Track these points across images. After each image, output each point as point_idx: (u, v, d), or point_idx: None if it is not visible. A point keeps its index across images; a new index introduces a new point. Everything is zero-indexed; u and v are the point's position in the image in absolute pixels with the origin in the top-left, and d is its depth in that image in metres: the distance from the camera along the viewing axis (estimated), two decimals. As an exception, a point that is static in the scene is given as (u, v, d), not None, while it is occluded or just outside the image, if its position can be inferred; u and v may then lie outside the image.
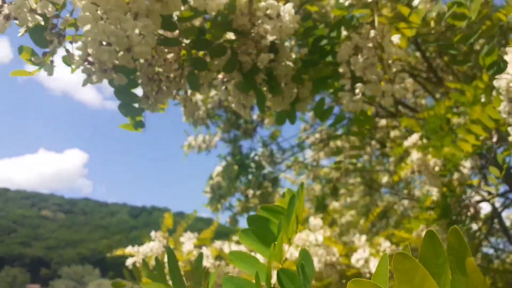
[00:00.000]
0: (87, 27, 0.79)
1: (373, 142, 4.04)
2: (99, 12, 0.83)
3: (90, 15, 0.81)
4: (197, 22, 1.08)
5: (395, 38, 1.03)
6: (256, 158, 4.32)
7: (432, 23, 1.05)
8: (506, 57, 1.04)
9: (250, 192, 4.19)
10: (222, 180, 4.07)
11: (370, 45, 1.03)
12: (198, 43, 1.01)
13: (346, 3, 1.15)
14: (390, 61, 1.01)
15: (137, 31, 0.81)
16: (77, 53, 0.92)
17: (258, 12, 1.07)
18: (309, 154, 4.46)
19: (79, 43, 0.92)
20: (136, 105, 1.05)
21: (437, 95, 4.02)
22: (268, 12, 1.05)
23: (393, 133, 4.04)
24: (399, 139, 3.95)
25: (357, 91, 1.02)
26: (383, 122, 3.91)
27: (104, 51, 0.79)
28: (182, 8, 0.96)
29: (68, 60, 0.94)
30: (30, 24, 0.80)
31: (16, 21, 0.80)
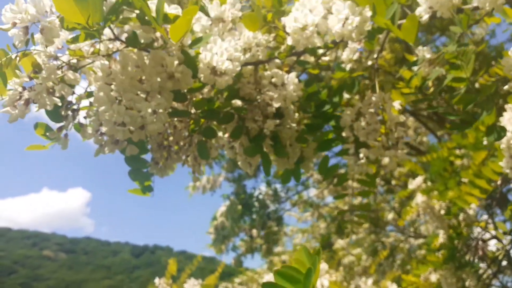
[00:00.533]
0: (102, 108, 0.83)
1: (378, 180, 4.03)
2: (113, 92, 0.87)
3: (105, 96, 0.85)
4: (205, 89, 1.13)
5: (396, 104, 1.06)
6: (260, 197, 4.31)
7: (431, 87, 1.09)
8: (503, 117, 1.07)
9: (255, 231, 4.15)
10: (226, 221, 4.05)
11: (372, 110, 1.06)
12: (207, 113, 1.04)
13: (347, 67, 1.20)
14: (392, 127, 1.04)
15: (150, 110, 0.84)
16: (89, 126, 0.96)
17: (264, 80, 1.12)
18: (313, 192, 4.44)
19: (92, 117, 0.96)
20: (145, 170, 1.08)
21: (439, 133, 4.05)
22: (273, 80, 1.10)
23: (398, 171, 4.04)
24: (403, 177, 3.94)
25: (361, 155, 1.04)
26: (386, 160, 3.92)
27: (119, 131, 0.83)
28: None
29: (81, 133, 0.97)
30: (49, 108, 0.84)
31: (36, 105, 0.84)
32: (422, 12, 0.92)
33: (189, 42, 0.94)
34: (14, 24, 0.78)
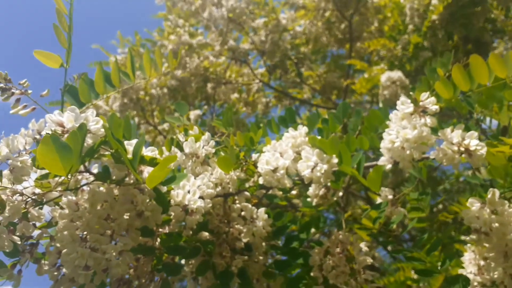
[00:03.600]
0: (65, 250, 0.75)
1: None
2: (78, 231, 0.80)
3: (70, 236, 0.78)
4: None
5: (363, 246, 1.05)
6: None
7: (394, 227, 1.09)
8: (464, 258, 1.07)
9: None
10: None
11: (339, 250, 1.04)
12: (172, 248, 0.98)
13: (313, 202, 1.20)
14: (360, 269, 1.00)
15: (115, 253, 0.77)
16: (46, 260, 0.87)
17: (233, 213, 1.09)
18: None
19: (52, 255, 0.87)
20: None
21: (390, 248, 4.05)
22: (242, 213, 1.07)
23: None
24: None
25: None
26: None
27: (81, 275, 0.74)
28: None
29: (37, 270, 0.87)
30: (7, 249, 0.75)
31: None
32: (385, 162, 0.96)
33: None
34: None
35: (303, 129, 1.07)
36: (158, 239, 1.00)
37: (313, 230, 1.16)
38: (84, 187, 0.90)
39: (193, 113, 3.80)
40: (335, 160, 0.96)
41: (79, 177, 0.97)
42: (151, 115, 3.99)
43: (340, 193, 1.21)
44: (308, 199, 1.22)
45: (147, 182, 0.80)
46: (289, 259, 1.09)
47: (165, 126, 4.02)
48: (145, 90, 3.82)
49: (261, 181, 1.02)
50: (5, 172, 0.78)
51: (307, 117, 1.24)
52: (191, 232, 1.04)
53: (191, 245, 1.02)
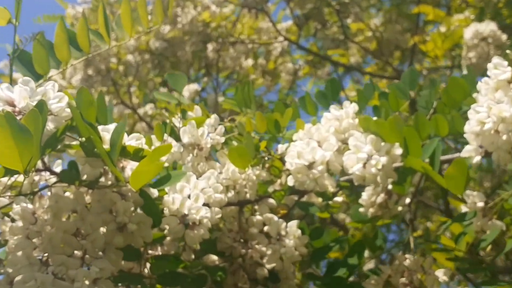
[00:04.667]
0: (20, 277, 0.80)
1: None
2: (36, 251, 0.85)
3: (25, 257, 0.83)
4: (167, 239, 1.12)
5: (440, 274, 1.07)
6: None
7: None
8: None
9: None
10: None
11: (405, 281, 1.06)
12: (167, 277, 1.02)
13: (368, 214, 1.23)
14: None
15: (87, 281, 0.81)
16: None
17: (252, 228, 1.12)
18: None
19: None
20: None
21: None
22: (265, 229, 1.10)
23: None
24: None
25: None
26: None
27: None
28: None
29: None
30: None
31: None
32: (472, 152, 0.98)
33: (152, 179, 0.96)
34: None
35: (351, 108, 1.09)
36: (148, 264, 1.05)
37: (367, 253, 1.18)
38: (44, 192, 0.95)
39: (188, 89, 3.85)
40: (399, 150, 0.98)
41: (36, 177, 1.02)
42: (127, 92, 4.07)
43: (407, 200, 1.23)
44: (361, 209, 1.24)
45: (131, 182, 0.83)
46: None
47: (148, 108, 4.09)
48: (118, 57, 3.88)
49: (290, 182, 1.05)
50: None
51: (356, 91, 1.26)
52: (193, 256, 1.08)
53: (194, 272, 1.06)
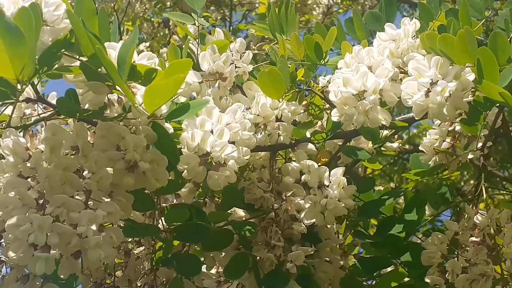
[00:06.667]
0: (12, 220, 0.82)
1: None
2: (31, 191, 0.87)
3: (18, 198, 0.85)
4: (184, 189, 1.14)
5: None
6: None
7: None
8: None
9: None
10: None
11: (476, 239, 1.06)
12: (184, 230, 1.04)
13: (430, 162, 1.22)
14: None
15: (94, 226, 0.84)
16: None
17: (286, 177, 1.13)
18: None
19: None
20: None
21: None
22: (303, 178, 1.11)
23: None
24: None
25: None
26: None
27: (36, 260, 0.81)
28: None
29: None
30: None
31: None
32: None
33: (165, 110, 0.97)
34: None
35: (411, 25, 1.08)
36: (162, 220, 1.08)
37: (428, 209, 1.18)
38: (35, 129, 0.97)
39: (193, 27, 3.83)
40: (471, 75, 0.97)
41: (27, 111, 1.05)
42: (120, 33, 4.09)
43: (479, 144, 1.21)
44: (421, 157, 1.24)
45: (145, 101, 0.84)
46: (385, 257, 1.13)
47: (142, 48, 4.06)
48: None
49: (334, 117, 1.05)
50: None
51: (419, 5, 1.25)
52: (214, 201, 1.10)
53: (217, 229, 1.08)
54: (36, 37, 0.76)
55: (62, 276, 0.88)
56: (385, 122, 1.03)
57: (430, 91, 0.97)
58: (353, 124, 1.03)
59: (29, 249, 0.82)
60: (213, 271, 1.19)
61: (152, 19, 4.61)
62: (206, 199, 1.18)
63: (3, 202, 0.86)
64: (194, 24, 1.22)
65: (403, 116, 1.18)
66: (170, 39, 4.30)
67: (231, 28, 4.18)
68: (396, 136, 1.26)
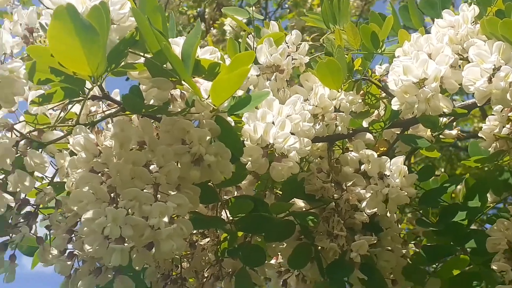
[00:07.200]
0: (88, 213, 0.85)
1: None
2: (104, 185, 0.90)
3: (91, 192, 0.88)
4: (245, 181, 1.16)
5: None
6: None
7: None
8: None
9: None
10: None
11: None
12: (249, 221, 1.05)
13: (490, 148, 1.21)
14: None
15: (166, 218, 0.86)
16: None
17: (346, 167, 1.14)
18: None
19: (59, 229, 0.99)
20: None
21: None
22: (362, 168, 1.11)
23: None
24: None
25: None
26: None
27: (113, 252, 0.84)
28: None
29: (39, 254, 0.99)
30: (2, 209, 0.87)
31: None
32: None
33: (225, 104, 0.98)
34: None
35: (469, 11, 1.07)
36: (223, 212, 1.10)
37: (490, 195, 1.17)
38: (100, 127, 1.00)
39: (231, 20, 3.89)
40: (535, 58, 0.96)
41: (92, 108, 1.08)
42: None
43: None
44: (481, 144, 1.23)
45: (212, 95, 0.86)
46: (448, 245, 1.13)
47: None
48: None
49: (395, 106, 1.05)
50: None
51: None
52: (273, 196, 1.12)
53: (280, 219, 1.09)
54: (107, 35, 0.78)
55: (136, 268, 0.90)
56: (447, 109, 1.02)
57: (493, 77, 0.96)
58: (412, 112, 1.04)
59: (104, 241, 0.85)
60: (273, 261, 1.21)
61: (187, 12, 4.63)
62: (265, 191, 1.19)
63: (78, 197, 0.89)
64: (249, 17, 1.23)
65: (462, 103, 1.17)
66: (208, 34, 4.32)
67: (267, 18, 4.18)
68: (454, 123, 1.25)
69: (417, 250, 1.22)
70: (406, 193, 1.08)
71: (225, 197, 1.14)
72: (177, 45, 0.93)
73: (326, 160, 1.18)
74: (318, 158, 1.21)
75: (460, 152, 4.15)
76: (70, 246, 1.01)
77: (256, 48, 1.15)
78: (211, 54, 0.96)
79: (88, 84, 0.91)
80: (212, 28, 4.45)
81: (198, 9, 4.66)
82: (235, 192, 1.16)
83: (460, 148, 4.04)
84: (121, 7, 0.87)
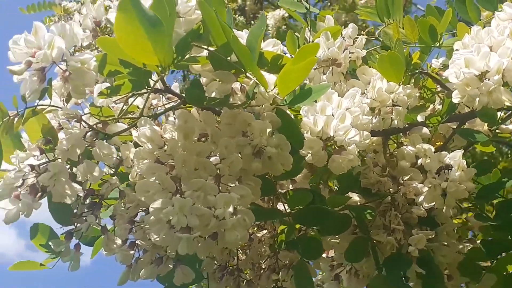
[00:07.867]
0: (157, 203, 0.86)
1: None
2: (169, 175, 0.91)
3: (158, 182, 0.89)
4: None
5: None
6: None
7: None
8: None
9: None
10: None
11: None
12: (307, 214, 1.06)
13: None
14: None
15: (231, 208, 0.87)
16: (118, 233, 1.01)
17: (402, 161, 1.14)
18: None
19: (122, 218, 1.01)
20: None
21: None
22: (419, 162, 1.11)
23: None
24: None
25: None
26: None
27: (179, 240, 0.85)
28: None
29: (104, 244, 1.02)
30: (69, 201, 0.89)
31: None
32: None
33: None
34: (29, 64, 0.86)
35: (531, 3, 1.06)
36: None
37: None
38: (160, 120, 1.02)
39: (273, 15, 3.92)
40: None
41: (154, 101, 1.10)
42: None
43: None
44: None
45: (279, 86, 0.87)
46: (506, 240, 1.12)
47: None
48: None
49: (456, 99, 1.05)
50: (56, 83, 0.91)
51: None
52: (327, 190, 1.12)
53: (337, 213, 1.10)
54: (172, 26, 0.80)
55: (202, 257, 0.92)
56: (509, 102, 1.02)
57: (557, 70, 0.96)
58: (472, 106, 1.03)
59: (171, 231, 0.86)
60: (324, 255, 1.22)
61: (228, 5, 4.66)
62: (319, 185, 1.20)
63: (145, 187, 0.90)
64: (306, 11, 1.24)
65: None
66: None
67: (309, 15, 4.16)
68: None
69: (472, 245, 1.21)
70: (465, 187, 1.07)
71: (280, 190, 1.15)
72: (241, 37, 0.94)
73: (382, 154, 1.18)
74: (373, 152, 1.21)
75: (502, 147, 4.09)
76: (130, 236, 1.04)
77: (312, 41, 1.16)
78: (274, 46, 0.97)
79: (153, 77, 0.94)
80: (252, 21, 4.47)
81: (239, 1, 4.71)
82: (290, 186, 1.17)
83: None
84: (188, 0, 0.89)
